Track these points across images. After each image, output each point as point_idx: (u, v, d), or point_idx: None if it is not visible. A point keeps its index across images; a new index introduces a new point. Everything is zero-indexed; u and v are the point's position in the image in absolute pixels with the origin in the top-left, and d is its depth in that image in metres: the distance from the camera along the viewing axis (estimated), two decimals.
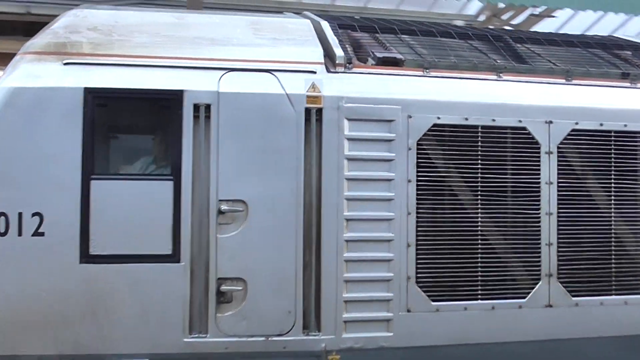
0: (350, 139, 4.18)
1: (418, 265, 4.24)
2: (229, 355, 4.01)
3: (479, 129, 4.35)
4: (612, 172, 4.55)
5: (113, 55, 4.05)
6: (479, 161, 4.34)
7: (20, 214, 3.81)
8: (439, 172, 4.31)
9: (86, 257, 3.87)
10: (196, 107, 4.01)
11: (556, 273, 4.44)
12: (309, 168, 4.14)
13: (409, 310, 4.22)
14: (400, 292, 4.21)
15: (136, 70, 4.02)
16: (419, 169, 4.26)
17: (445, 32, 4.99)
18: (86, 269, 3.88)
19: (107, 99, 3.96)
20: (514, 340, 4.38)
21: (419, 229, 4.25)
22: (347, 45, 4.53)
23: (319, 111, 4.15)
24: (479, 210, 4.34)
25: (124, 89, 3.97)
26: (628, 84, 4.78)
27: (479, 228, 4.33)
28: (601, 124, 4.55)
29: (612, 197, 4.54)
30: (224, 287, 4.01)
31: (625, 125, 4.58)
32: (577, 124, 4.51)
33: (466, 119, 4.33)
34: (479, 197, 4.34)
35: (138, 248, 3.93)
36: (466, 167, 4.33)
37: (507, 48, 4.91)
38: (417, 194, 4.25)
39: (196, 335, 3.99)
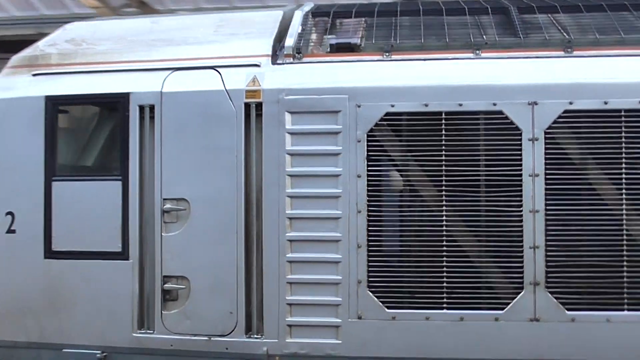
0: (292, 133, 3.95)
1: (370, 268, 3.87)
2: (173, 352, 4.05)
3: (442, 116, 3.83)
4: (623, 160, 3.71)
5: (75, 64, 4.30)
6: (443, 152, 3.83)
7: None
8: (394, 166, 3.89)
9: (49, 253, 4.18)
10: (141, 108, 4.10)
11: (544, 281, 3.75)
12: (250, 165, 4.00)
13: (359, 317, 3.87)
14: (349, 297, 3.88)
15: (92, 76, 4.23)
16: (369, 163, 3.88)
17: (435, 10, 4.45)
18: (49, 264, 4.18)
19: (65, 105, 4.23)
20: (489, 358, 3.79)
21: (370, 228, 3.87)
22: (311, 35, 4.28)
23: (259, 106, 3.99)
24: (444, 208, 3.82)
25: (79, 94, 4.21)
26: None
27: (444, 228, 3.82)
28: (606, 102, 3.73)
29: (624, 190, 3.71)
30: (168, 285, 4.06)
31: None
32: (571, 103, 3.75)
33: (426, 105, 3.84)
34: (444, 193, 3.83)
35: (92, 245, 4.13)
36: (427, 160, 3.84)
37: (505, 22, 4.24)
38: (368, 190, 3.88)
39: (144, 331, 4.09)
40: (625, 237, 3.72)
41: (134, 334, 4.08)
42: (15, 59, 4.47)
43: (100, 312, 4.12)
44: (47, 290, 4.18)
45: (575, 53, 3.91)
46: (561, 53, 3.92)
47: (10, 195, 4.23)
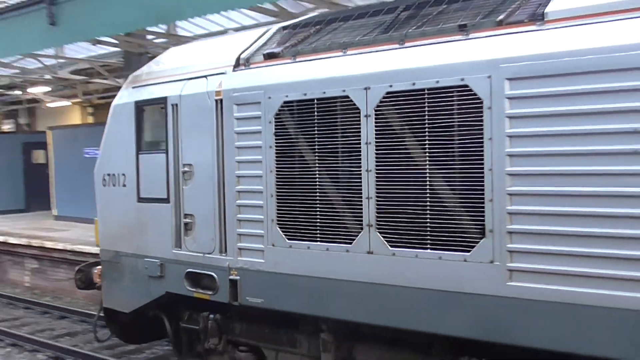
0: (237, 119, 5.78)
1: (277, 211, 5.52)
2: (189, 263, 6.27)
3: (315, 101, 5.25)
4: (427, 128, 4.66)
5: (150, 79, 6.77)
6: (315, 128, 5.26)
7: (117, 174, 7.00)
8: (291, 140, 5.44)
9: (139, 198, 6.77)
10: (172, 106, 6.37)
11: (375, 224, 4.93)
12: (219, 141, 5.95)
13: (273, 245, 5.57)
14: (268, 231, 5.60)
15: (154, 87, 6.64)
16: (276, 138, 5.51)
17: (340, 18, 5.69)
18: (139, 206, 6.78)
19: (144, 107, 6.72)
20: (343, 278, 5.14)
21: (277, 183, 5.52)
22: (268, 47, 5.95)
23: (221, 101, 5.90)
24: (317, 169, 5.26)
25: (146, 99, 6.67)
26: (461, 37, 4.62)
27: (317, 183, 5.27)
28: (413, 84, 4.71)
29: (427, 153, 4.66)
30: (185, 220, 6.29)
31: (437, 82, 4.59)
32: (391, 86, 4.82)
33: (305, 94, 5.30)
34: (317, 158, 5.26)
35: (155, 194, 6.58)
36: (308, 133, 5.31)
37: (365, 24, 5.38)
38: (276, 157, 5.52)
39: (177, 249, 6.40)
40: (428, 192, 4.68)
41: (173, 251, 6.43)
42: (129, 77, 7.15)
43: (159, 236, 6.56)
44: (138, 221, 6.80)
45: (407, 44, 4.89)
46: (397, 45, 4.94)
47: (124, 163, 6.94)
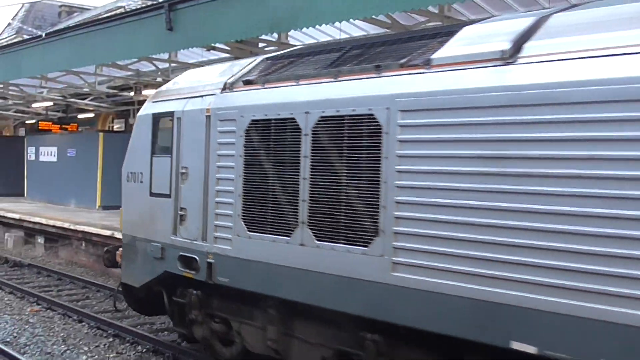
0: (219, 132, 7.13)
1: (242, 208, 6.81)
2: (181, 248, 7.64)
3: (272, 121, 6.52)
4: (345, 148, 5.84)
5: (165, 96, 8.23)
6: (271, 142, 6.53)
7: (137, 172, 8.49)
8: (255, 150, 6.72)
9: (151, 194, 8.23)
10: (177, 119, 7.79)
11: (307, 222, 6.14)
12: (207, 150, 7.30)
13: (238, 235, 6.85)
14: (235, 224, 6.89)
15: (166, 102, 8.10)
16: (245, 149, 6.81)
17: (323, 51, 6.91)
18: (151, 199, 8.23)
19: (159, 118, 8.19)
20: (284, 264, 6.36)
21: (243, 185, 6.81)
22: (251, 74, 7.26)
23: (210, 117, 7.26)
24: (271, 175, 6.52)
25: (161, 112, 8.12)
26: (375, 75, 5.77)
27: (270, 187, 6.52)
28: (338, 111, 5.90)
29: (345, 165, 5.83)
30: (180, 212, 7.67)
31: (354, 110, 5.77)
32: (323, 112, 6.03)
33: (266, 115, 6.59)
34: (271, 167, 6.52)
35: (161, 190, 8.02)
36: (266, 147, 6.58)
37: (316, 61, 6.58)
38: (243, 164, 6.81)
39: (174, 236, 7.79)
40: (343, 197, 5.84)
41: (171, 237, 7.83)
42: (154, 93, 8.64)
43: (163, 226, 7.98)
44: (149, 212, 8.25)
45: (339, 79, 6.09)
46: (332, 79, 6.14)
47: (142, 163, 8.43)
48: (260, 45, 14.78)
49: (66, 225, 17.64)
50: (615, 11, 4.70)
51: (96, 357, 9.23)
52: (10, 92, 24.35)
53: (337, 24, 10.26)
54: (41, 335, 10.06)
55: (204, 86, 7.62)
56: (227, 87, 7.28)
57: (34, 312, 11.58)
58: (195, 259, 7.39)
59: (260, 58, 7.68)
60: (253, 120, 6.74)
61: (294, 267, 6.28)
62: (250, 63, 7.59)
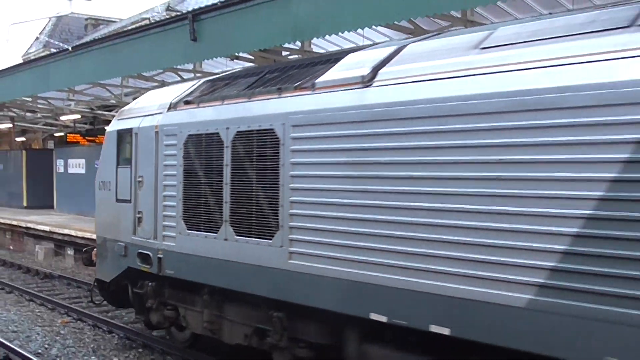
0: (165, 145, 8.31)
1: (183, 210, 7.98)
2: (139, 246, 8.83)
3: (202, 135, 7.69)
4: (254, 158, 6.98)
5: (127, 115, 9.46)
6: (202, 154, 7.69)
7: (107, 181, 9.71)
8: (190, 161, 7.89)
9: (116, 199, 9.45)
10: (135, 135, 8.99)
11: (229, 220, 7.28)
12: (156, 160, 8.49)
13: (180, 233, 8.02)
14: (178, 224, 8.06)
15: (127, 120, 9.32)
16: (183, 159, 7.99)
17: (248, 74, 8.05)
18: (116, 205, 9.45)
19: (121, 134, 9.40)
20: (212, 257, 7.51)
21: (183, 190, 7.98)
22: (192, 95, 8.43)
23: (158, 132, 8.45)
24: (202, 182, 7.68)
25: (122, 129, 9.34)
26: (276, 96, 6.90)
27: (202, 191, 7.68)
28: (249, 126, 7.05)
29: (255, 171, 6.97)
30: (138, 215, 8.87)
31: (260, 126, 6.91)
32: (239, 127, 7.18)
33: (198, 130, 7.76)
34: (202, 174, 7.68)
35: (123, 196, 9.23)
36: (198, 157, 7.75)
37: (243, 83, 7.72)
38: (183, 173, 7.99)
39: (134, 236, 8.98)
40: (254, 199, 6.98)
41: (132, 237, 9.03)
42: (119, 111, 9.86)
43: (125, 227, 9.18)
44: (115, 216, 9.47)
45: (252, 99, 7.22)
46: (246, 99, 7.29)
47: (110, 173, 9.65)
48: (284, 53, 14.73)
49: (94, 236, 18.66)
50: (445, 42, 5.79)
51: None
52: (38, 106, 25.16)
53: (359, 30, 10.44)
54: (72, 346, 10.07)
55: (156, 106, 8.82)
56: (172, 107, 8.48)
57: (64, 324, 11.57)
58: (149, 255, 8.57)
59: (202, 80, 8.87)
60: (189, 135, 7.92)
61: (220, 258, 7.43)
62: (194, 85, 8.78)
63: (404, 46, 6.25)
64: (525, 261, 4.72)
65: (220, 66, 16.57)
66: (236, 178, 7.22)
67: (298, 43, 13.45)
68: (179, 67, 16.16)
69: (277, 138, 6.70)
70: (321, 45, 14.34)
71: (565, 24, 5.08)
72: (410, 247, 5.44)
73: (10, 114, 29.26)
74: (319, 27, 9.46)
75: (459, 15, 11.25)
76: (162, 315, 8.90)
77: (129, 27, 23.40)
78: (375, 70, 6.03)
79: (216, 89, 8.21)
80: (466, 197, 5.11)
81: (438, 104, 5.33)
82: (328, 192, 6.20)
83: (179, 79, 17.96)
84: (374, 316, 5.77)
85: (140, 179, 8.83)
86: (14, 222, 22.68)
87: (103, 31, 38.32)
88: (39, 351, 9.77)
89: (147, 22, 23.09)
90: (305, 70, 7.19)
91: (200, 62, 16.67)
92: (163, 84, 19.40)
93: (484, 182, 5.01)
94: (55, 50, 22.13)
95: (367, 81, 6.01)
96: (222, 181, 7.39)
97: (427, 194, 5.35)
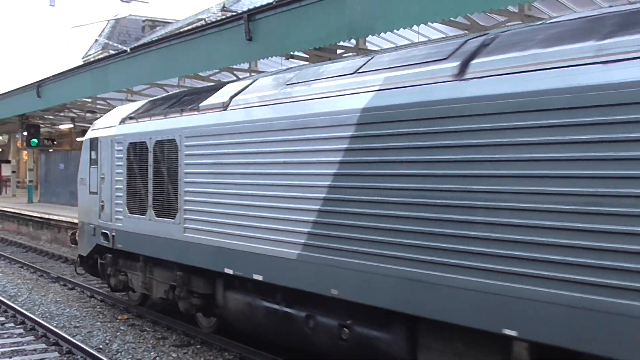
0: (116, 150, 11.00)
1: (126, 198, 10.64)
2: (101, 227, 11.54)
3: (137, 144, 10.32)
4: (165, 160, 9.58)
5: (98, 127, 12.18)
6: (137, 157, 10.33)
7: (85, 178, 12.48)
8: (130, 162, 10.54)
9: (90, 192, 12.20)
10: (100, 142, 11.70)
11: (152, 205, 9.91)
12: (112, 162, 11.18)
13: (124, 217, 10.70)
14: (123, 209, 10.73)
15: (97, 131, 12.04)
16: (126, 161, 10.66)
17: (175, 96, 10.64)
18: (90, 196, 12.19)
19: (92, 142, 12.13)
20: (144, 233, 10.15)
21: (126, 184, 10.64)
22: (136, 112, 11.07)
23: (112, 141, 11.14)
24: (136, 177, 10.33)
25: (93, 137, 12.07)
26: (179, 115, 9.47)
27: (135, 184, 10.32)
28: (161, 137, 9.65)
29: (165, 171, 9.58)
30: (101, 203, 11.58)
31: (166, 137, 9.50)
32: (158, 136, 9.79)
33: (135, 139, 10.40)
34: (136, 172, 10.33)
35: (93, 189, 11.96)
36: (135, 160, 10.39)
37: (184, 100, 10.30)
38: (126, 171, 10.65)
39: (99, 220, 11.70)
40: (165, 190, 9.59)
41: (98, 220, 11.75)
42: (93, 124, 12.61)
43: (94, 213, 11.91)
44: (89, 205, 12.22)
45: (168, 117, 9.81)
46: (163, 117, 9.88)
47: (86, 172, 12.41)
48: (339, 51, 14.48)
49: None
50: (269, 80, 8.28)
51: None
52: (98, 106, 26.31)
53: (414, 27, 10.43)
54: (132, 342, 10.08)
55: (114, 120, 11.53)
56: (122, 121, 11.17)
57: (123, 320, 11.65)
58: (107, 233, 11.28)
59: (147, 100, 11.54)
60: (130, 143, 10.59)
61: (147, 234, 10.08)
62: (141, 104, 11.45)
63: (255, 80, 8.75)
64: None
65: (275, 65, 15.92)
66: (156, 174, 9.85)
67: (353, 41, 13.22)
68: (234, 66, 16.01)
69: (176, 146, 9.30)
70: (376, 42, 14.04)
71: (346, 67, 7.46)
72: (242, 222, 7.96)
73: (71, 114, 30.85)
74: (374, 25, 9.42)
75: (516, 10, 11.03)
76: (118, 279, 11.61)
77: (185, 28, 23.24)
78: (231, 98, 8.55)
79: (152, 108, 10.84)
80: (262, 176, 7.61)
81: (258, 123, 7.83)
82: (204, 184, 8.76)
83: (234, 78, 16.18)
84: (227, 270, 8.30)
85: (103, 176, 11.54)
86: (75, 220, 25.43)
87: (160, 32, 38.55)
88: (100, 346, 9.85)
89: (202, 22, 23.27)
90: (203, 95, 9.74)
91: (255, 61, 16.60)
92: (219, 83, 19.99)
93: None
94: (113, 52, 22.75)
95: (225, 106, 8.54)
96: (147, 177, 10.03)
97: (251, 182, 7.87)
